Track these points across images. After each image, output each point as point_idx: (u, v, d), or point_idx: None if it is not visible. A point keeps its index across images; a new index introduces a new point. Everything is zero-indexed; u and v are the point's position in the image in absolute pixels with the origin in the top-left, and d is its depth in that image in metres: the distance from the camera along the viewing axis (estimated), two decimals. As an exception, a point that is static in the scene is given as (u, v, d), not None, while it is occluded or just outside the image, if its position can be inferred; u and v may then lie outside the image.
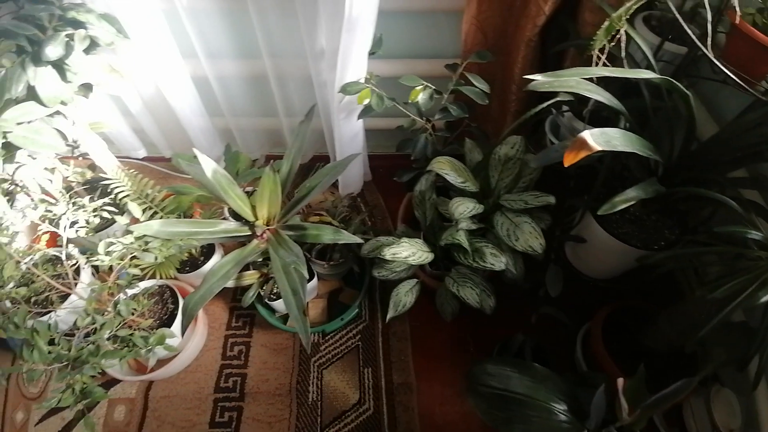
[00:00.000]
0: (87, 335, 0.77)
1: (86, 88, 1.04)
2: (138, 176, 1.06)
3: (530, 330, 1.08)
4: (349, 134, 1.14)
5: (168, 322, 1.07)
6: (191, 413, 1.11)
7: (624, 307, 1.07)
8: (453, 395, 1.14)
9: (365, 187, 1.50)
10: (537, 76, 0.65)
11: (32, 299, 0.97)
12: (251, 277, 1.10)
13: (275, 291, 1.17)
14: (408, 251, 0.88)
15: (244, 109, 1.35)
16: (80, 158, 1.17)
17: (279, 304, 1.16)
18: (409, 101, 0.97)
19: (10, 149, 0.98)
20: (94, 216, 0.96)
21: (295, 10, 1.01)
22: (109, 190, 1.04)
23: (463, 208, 0.87)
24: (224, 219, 1.23)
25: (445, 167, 0.91)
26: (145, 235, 0.87)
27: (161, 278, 1.09)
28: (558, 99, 0.87)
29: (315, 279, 1.19)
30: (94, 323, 0.77)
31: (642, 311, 1.05)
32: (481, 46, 1.12)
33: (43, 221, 0.93)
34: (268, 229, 0.98)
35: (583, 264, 1.13)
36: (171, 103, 1.21)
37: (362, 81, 0.99)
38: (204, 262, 1.22)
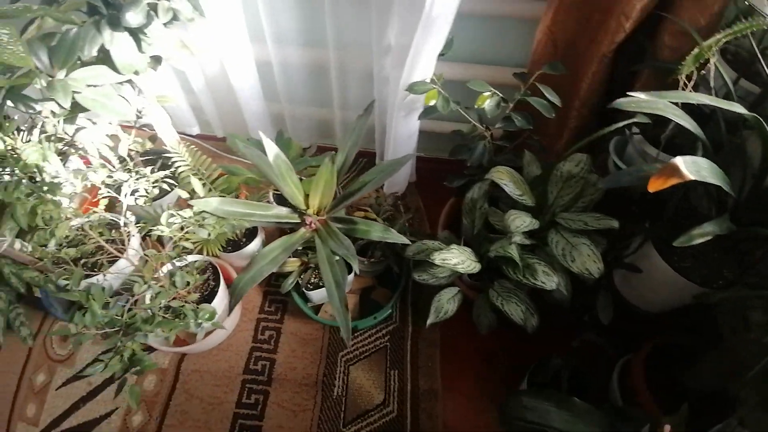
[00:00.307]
0: (136, 302, 0.79)
1: (156, 60, 1.07)
2: (197, 152, 1.08)
3: (565, 352, 1.05)
4: (405, 133, 1.13)
5: (208, 299, 1.09)
6: (219, 390, 1.13)
7: (666, 342, 1.02)
8: (479, 410, 1.12)
9: (407, 188, 1.48)
10: (639, 94, 0.63)
11: (81, 261, 1.01)
12: (292, 264, 1.11)
13: (313, 280, 1.17)
14: (458, 258, 0.87)
15: (300, 97, 1.36)
16: (141, 129, 1.20)
17: (315, 294, 1.16)
18: (475, 107, 0.95)
19: (75, 110, 1.01)
20: (154, 186, 0.98)
21: (369, 2, 1.00)
22: (169, 164, 1.06)
23: (520, 222, 0.84)
24: (269, 203, 1.24)
25: (504, 177, 0.89)
26: (203, 211, 0.89)
27: (206, 254, 1.11)
28: (634, 120, 0.84)
29: (352, 274, 1.19)
30: (148, 291, 0.78)
31: (683, 348, 1.00)
32: (550, 57, 1.09)
33: (103, 186, 0.95)
34: (317, 218, 0.99)
35: (633, 293, 1.09)
36: (233, 84, 1.22)
37: (428, 81, 0.98)
38: (246, 244, 1.24)
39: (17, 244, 0.92)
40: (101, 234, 0.94)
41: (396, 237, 0.90)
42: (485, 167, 1.06)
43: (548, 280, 0.87)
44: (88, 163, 1.08)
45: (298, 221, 1.01)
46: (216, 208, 0.89)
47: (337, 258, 0.98)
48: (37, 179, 0.95)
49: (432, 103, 0.94)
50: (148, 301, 0.83)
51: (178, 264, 1.01)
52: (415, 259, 0.99)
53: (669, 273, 0.91)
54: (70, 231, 0.90)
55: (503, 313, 0.93)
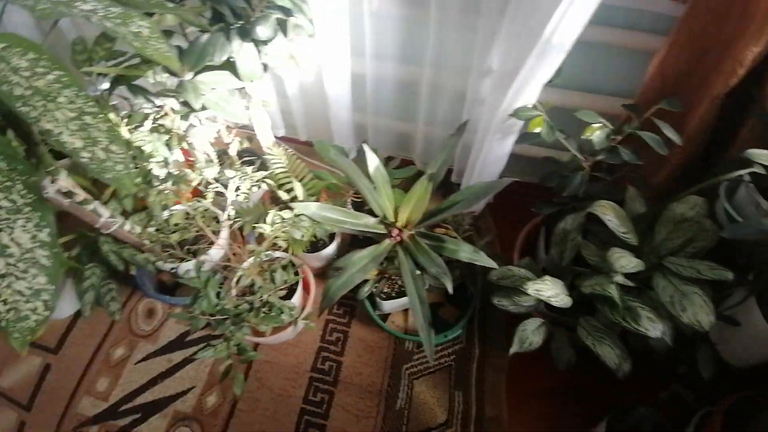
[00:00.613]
0: (243, 294, 0.84)
1: (264, 68, 1.14)
2: (293, 156, 1.14)
3: (645, 401, 1.01)
4: (495, 156, 1.13)
5: (288, 295, 1.13)
6: (288, 384, 1.17)
7: (749, 396, 0.95)
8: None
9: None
10: None
11: (185, 248, 1.08)
12: (371, 273, 1.14)
13: (386, 290, 1.20)
14: (551, 291, 0.86)
15: (386, 110, 1.40)
16: (239, 129, 1.29)
17: (388, 304, 1.18)
18: (582, 137, 0.94)
19: (193, 109, 1.09)
20: (253, 185, 1.04)
21: (475, 27, 1.02)
22: (261, 165, 1.13)
23: (625, 262, 0.82)
24: (357, 212, 1.28)
25: (608, 212, 0.87)
26: (301, 214, 0.94)
27: (290, 253, 1.16)
28: (752, 170, 0.80)
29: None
30: (252, 285, 0.83)
31: (758, 404, 0.93)
32: (657, 91, 1.06)
33: (214, 181, 1.03)
34: (405, 232, 1.01)
35: (725, 346, 1.02)
36: (328, 93, 1.28)
37: (532, 107, 0.97)
38: (323, 246, 1.28)
39: (127, 226, 1.01)
40: (208, 226, 1.01)
41: (485, 260, 0.91)
42: (579, 198, 1.03)
43: (652, 327, 0.83)
44: (187, 154, 1.17)
45: (384, 232, 1.04)
46: (314, 212, 0.94)
47: (418, 273, 0.99)
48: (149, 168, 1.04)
49: (537, 130, 0.94)
50: (252, 295, 0.88)
51: (263, 258, 1.06)
52: (498, 284, 0.99)
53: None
54: (180, 219, 0.98)
55: (589, 352, 0.90)
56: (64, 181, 0.78)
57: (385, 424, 1.12)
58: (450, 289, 0.86)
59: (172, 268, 1.04)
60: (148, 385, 1.18)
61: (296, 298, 1.15)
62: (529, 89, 0.93)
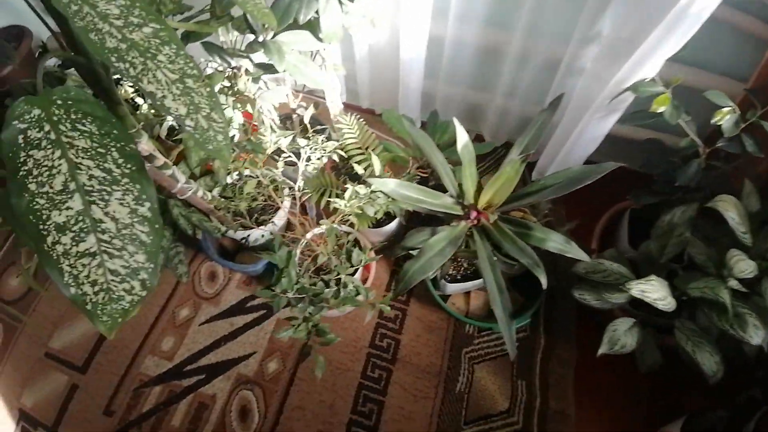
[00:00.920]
0: (318, 271, 0.81)
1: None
2: (364, 125, 1.07)
3: (719, 404, 0.93)
4: (590, 136, 1.02)
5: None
6: (346, 358, 1.17)
7: None
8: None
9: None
10: None
11: (253, 216, 1.06)
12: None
13: (451, 272, 1.14)
14: (659, 293, 0.77)
15: (460, 78, 1.29)
16: (306, 95, 1.22)
17: (451, 287, 1.13)
18: (713, 121, 0.81)
19: (268, 71, 1.04)
20: (326, 155, 0.99)
21: (585, -14, 0.89)
22: (332, 135, 1.07)
23: (744, 266, 0.72)
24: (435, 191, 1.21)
25: (731, 209, 0.76)
26: (378, 191, 0.88)
27: (355, 229, 1.12)
28: None
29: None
30: (328, 263, 0.80)
31: None
32: None
33: (287, 150, 0.98)
34: (484, 215, 0.94)
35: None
36: (402, 57, 1.18)
37: (652, 82, 0.85)
38: (385, 222, 1.23)
39: (200, 192, 0.99)
40: (276, 191, 0.98)
41: (576, 252, 0.83)
42: (690, 189, 0.92)
43: (756, 335, 0.75)
44: (248, 118, 1.12)
45: (460, 213, 0.97)
46: (393, 189, 0.88)
47: (495, 259, 0.93)
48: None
49: (661, 110, 0.82)
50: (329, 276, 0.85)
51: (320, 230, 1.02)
52: (586, 277, 0.91)
53: None
54: (252, 188, 0.94)
55: (670, 354, 0.82)
56: (146, 145, 0.75)
57: (444, 406, 1.10)
58: (545, 284, 0.79)
59: (243, 238, 1.03)
60: (212, 347, 1.20)
61: (357, 276, 1.12)
62: (651, 62, 0.81)
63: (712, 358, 0.82)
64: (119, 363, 1.19)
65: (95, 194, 0.46)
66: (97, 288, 0.45)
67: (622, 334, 0.86)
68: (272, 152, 0.99)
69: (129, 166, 0.48)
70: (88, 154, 0.48)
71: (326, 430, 1.07)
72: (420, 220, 1.43)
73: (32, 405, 1.15)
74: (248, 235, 1.04)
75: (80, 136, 0.48)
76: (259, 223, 1.10)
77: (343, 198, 0.87)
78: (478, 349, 1.18)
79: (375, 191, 0.88)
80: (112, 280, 0.45)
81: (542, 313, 1.21)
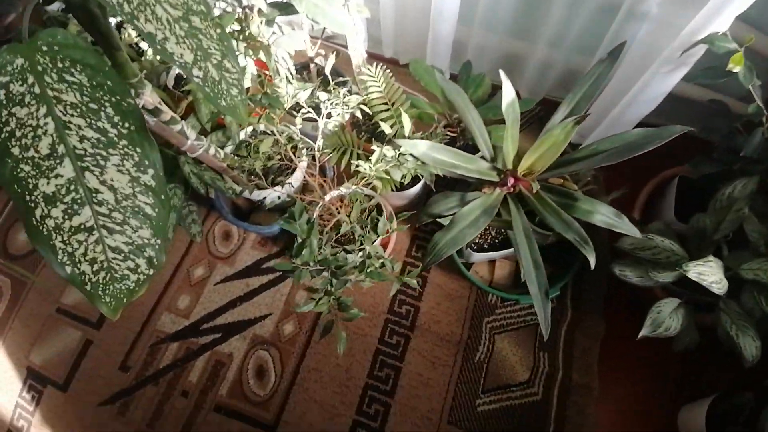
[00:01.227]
0: (339, 241, 0.74)
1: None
2: (391, 77, 0.96)
3: (746, 387, 0.90)
4: (653, 93, 0.90)
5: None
6: (364, 323, 1.14)
7: None
8: (631, 425, 1.02)
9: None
10: None
11: (268, 176, 0.99)
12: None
13: (478, 241, 1.08)
14: (715, 276, 0.70)
15: (499, 25, 1.14)
16: (324, 41, 1.10)
17: (478, 256, 1.07)
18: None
19: (285, 11, 0.91)
20: (348, 111, 0.89)
21: None
22: (359, 87, 0.96)
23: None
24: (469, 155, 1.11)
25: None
26: (408, 153, 0.79)
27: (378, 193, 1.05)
28: None
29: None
30: (352, 233, 0.73)
31: None
32: None
33: (305, 104, 0.88)
34: (523, 182, 0.85)
35: None
36: (433, -2, 1.04)
37: (726, 37, 0.72)
38: (409, 185, 1.15)
39: (212, 150, 0.91)
40: (294, 150, 0.90)
41: (627, 227, 0.74)
42: (752, 161, 0.81)
43: None
44: (261, 67, 1.01)
45: (495, 180, 0.88)
46: (424, 153, 0.79)
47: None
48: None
49: (736, 69, 0.70)
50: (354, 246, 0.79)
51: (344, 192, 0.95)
52: (633, 253, 0.83)
53: None
54: (268, 147, 0.86)
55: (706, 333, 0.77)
56: (150, 97, 0.66)
57: (462, 374, 1.08)
58: (593, 264, 0.72)
59: (258, 200, 0.96)
60: (228, 306, 1.18)
61: (377, 241, 1.06)
62: (726, 13, 0.67)
63: (754, 343, 0.77)
64: (135, 319, 1.18)
65: (88, 159, 0.39)
66: (96, 267, 0.39)
67: (667, 317, 0.79)
68: (289, 107, 0.90)
69: (127, 125, 0.40)
70: (78, 110, 0.40)
71: (342, 393, 1.07)
72: (445, 182, 1.35)
73: (42, 362, 1.15)
74: (264, 198, 0.97)
75: (68, 89, 0.40)
76: (274, 184, 1.03)
77: (369, 160, 0.78)
78: (500, 320, 1.14)
79: (403, 154, 0.79)
80: (114, 258, 0.39)
81: (571, 284, 1.16)
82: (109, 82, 0.42)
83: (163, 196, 0.40)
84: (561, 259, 1.10)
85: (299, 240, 0.67)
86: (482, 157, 0.91)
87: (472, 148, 0.95)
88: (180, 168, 1.05)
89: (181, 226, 1.16)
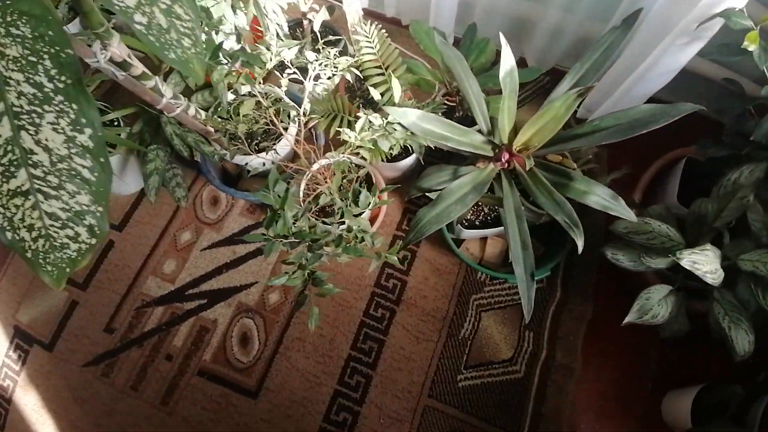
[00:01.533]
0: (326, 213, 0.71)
1: None
2: (386, 38, 0.89)
3: (734, 380, 0.89)
4: (666, 67, 0.83)
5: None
6: (350, 295, 1.13)
7: None
8: (612, 409, 1.02)
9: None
10: None
11: (253, 142, 0.94)
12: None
13: (470, 217, 1.04)
14: (711, 266, 0.66)
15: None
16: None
17: (469, 233, 1.04)
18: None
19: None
20: (335, 74, 0.83)
21: None
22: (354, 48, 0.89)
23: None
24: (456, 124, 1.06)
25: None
26: (396, 122, 0.74)
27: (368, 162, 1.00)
28: None
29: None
30: (332, 204, 0.70)
31: None
32: None
33: (291, 64, 0.82)
34: (518, 158, 0.80)
35: None
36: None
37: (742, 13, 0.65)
38: (401, 156, 1.10)
39: (192, 110, 0.86)
40: (278, 114, 0.85)
41: (623, 211, 0.70)
42: (761, 146, 0.76)
43: None
44: (256, 25, 0.94)
45: (489, 155, 0.84)
46: (413, 122, 0.74)
47: (523, 209, 0.82)
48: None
49: (751, 48, 0.63)
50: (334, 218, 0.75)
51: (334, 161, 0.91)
52: (626, 237, 0.80)
53: None
54: (250, 109, 0.81)
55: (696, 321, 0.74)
56: (118, 48, 0.61)
57: (446, 350, 1.08)
58: (581, 247, 0.68)
59: (243, 165, 0.92)
60: (214, 273, 1.17)
61: (365, 215, 1.03)
62: None
63: (747, 337, 0.74)
64: (121, 282, 1.17)
65: (24, 117, 0.35)
66: (34, 234, 0.36)
67: (656, 303, 0.77)
68: (275, 67, 0.84)
69: (63, 78, 0.36)
70: (18, 64, 0.36)
71: (324, 363, 1.07)
72: (441, 155, 1.29)
73: (29, 321, 1.15)
74: (246, 163, 0.93)
75: (12, 43, 0.36)
76: (260, 150, 0.99)
77: (354, 128, 0.74)
78: (488, 297, 1.12)
79: (392, 123, 0.74)
80: (51, 225, 0.36)
81: (563, 264, 1.13)
82: (50, 32, 0.37)
83: (102, 159, 0.36)
84: (554, 238, 1.07)
85: (272, 211, 0.64)
86: (479, 130, 0.86)
87: (471, 120, 0.90)
88: (162, 128, 1.00)
89: (165, 190, 1.12)
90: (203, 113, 0.88)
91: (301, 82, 0.84)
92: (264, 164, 0.98)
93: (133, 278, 1.17)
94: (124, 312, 1.15)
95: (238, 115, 0.84)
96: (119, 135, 1.10)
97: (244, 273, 1.17)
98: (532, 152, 0.79)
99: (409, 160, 1.10)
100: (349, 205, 0.73)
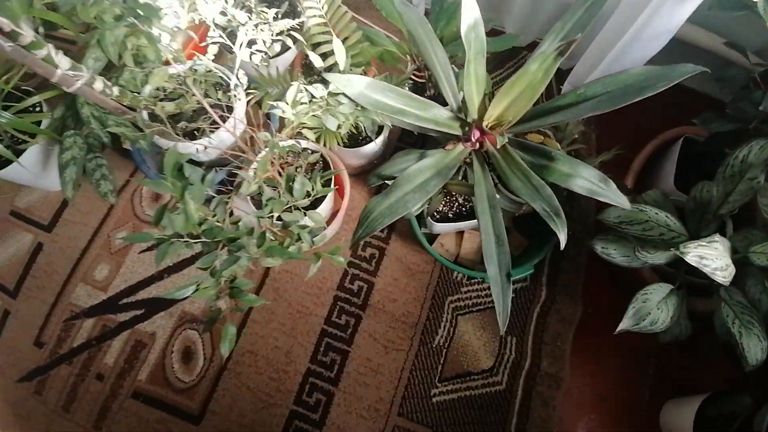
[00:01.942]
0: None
1: None
2: (337, 3, 0.75)
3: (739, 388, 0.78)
4: (657, 30, 0.71)
5: (315, 201, 0.87)
6: (309, 300, 0.99)
7: None
8: (604, 422, 0.90)
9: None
10: None
11: (180, 124, 0.80)
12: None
13: (442, 209, 0.91)
14: (720, 261, 0.54)
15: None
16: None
17: (441, 227, 0.91)
18: None
19: None
20: (276, 40, 0.69)
21: None
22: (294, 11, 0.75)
23: None
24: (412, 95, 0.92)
25: None
26: (340, 93, 0.61)
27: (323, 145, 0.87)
28: None
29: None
30: (259, 194, 0.56)
31: None
32: None
33: (214, 26, 0.68)
34: (489, 136, 0.67)
35: None
36: None
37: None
38: (367, 141, 0.97)
39: (98, 84, 0.72)
40: (206, 94, 0.71)
41: (615, 196, 0.58)
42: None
43: None
44: None
45: (457, 133, 0.71)
46: (360, 93, 0.60)
47: (498, 198, 0.69)
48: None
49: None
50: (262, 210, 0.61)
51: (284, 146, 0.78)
52: (618, 228, 0.68)
53: None
54: (169, 80, 0.67)
55: (711, 327, 0.63)
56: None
57: (418, 360, 0.95)
58: (563, 242, 0.56)
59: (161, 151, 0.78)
60: (153, 279, 1.02)
61: (324, 207, 0.89)
62: None
63: (760, 344, 0.63)
64: (49, 290, 1.02)
65: None
66: None
67: (654, 307, 0.65)
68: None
69: None
70: None
71: (279, 379, 0.94)
72: (414, 140, 1.16)
73: None
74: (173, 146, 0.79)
75: None
76: (192, 134, 0.84)
77: (287, 102, 0.60)
78: (465, 299, 1.00)
79: (335, 94, 0.61)
80: None
81: (547, 261, 1.01)
82: None
83: None
84: (538, 230, 0.94)
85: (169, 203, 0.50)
86: (446, 107, 0.73)
87: (443, 100, 0.77)
88: (77, 110, 0.86)
89: (89, 183, 0.97)
90: (115, 89, 0.74)
91: (232, 51, 0.70)
92: (206, 148, 0.83)
93: (62, 286, 1.02)
94: (52, 324, 1.00)
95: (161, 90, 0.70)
96: (39, 122, 0.95)
97: (189, 278, 1.02)
98: (506, 129, 0.66)
99: (373, 146, 0.97)
100: (282, 195, 0.60)
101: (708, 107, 0.79)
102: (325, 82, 0.64)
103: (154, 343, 0.97)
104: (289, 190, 0.60)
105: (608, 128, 1.02)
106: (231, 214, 0.63)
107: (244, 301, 0.54)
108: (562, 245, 0.56)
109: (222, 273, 0.52)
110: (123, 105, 0.78)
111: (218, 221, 0.54)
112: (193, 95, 0.74)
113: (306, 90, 0.60)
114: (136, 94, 0.72)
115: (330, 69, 0.70)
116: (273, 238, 0.60)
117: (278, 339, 0.97)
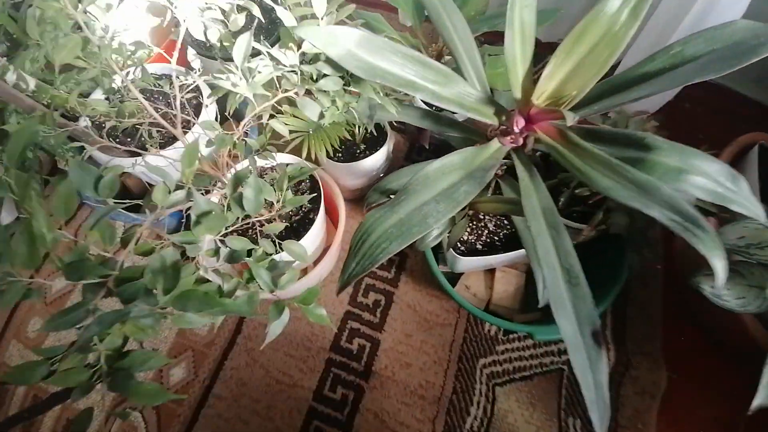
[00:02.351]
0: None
1: None
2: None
3: None
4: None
5: (297, 229, 0.65)
6: (293, 366, 0.74)
7: None
8: None
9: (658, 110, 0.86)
10: None
11: (121, 130, 0.60)
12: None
13: (468, 238, 0.68)
14: None
15: None
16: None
17: (469, 262, 0.67)
18: None
19: None
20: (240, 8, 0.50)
21: None
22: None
23: None
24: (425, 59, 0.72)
25: None
26: (319, 58, 0.40)
27: (307, 157, 0.66)
28: None
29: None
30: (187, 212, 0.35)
31: None
32: None
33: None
34: (542, 125, 0.45)
35: None
36: None
37: None
38: (365, 153, 0.77)
39: (10, 75, 0.53)
40: (146, 95, 0.51)
41: (749, 202, 0.35)
42: None
43: None
44: None
45: (494, 122, 0.49)
46: (349, 52, 0.40)
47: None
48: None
49: None
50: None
51: (261, 162, 0.57)
52: (744, 253, 0.43)
53: None
54: (87, 59, 0.48)
55: None
56: None
57: (444, 452, 0.68)
58: (722, 276, 0.32)
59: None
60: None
61: (310, 239, 0.66)
62: None
63: None
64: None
65: None
66: None
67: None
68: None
69: None
70: None
71: (250, 483, 0.67)
72: (425, 156, 0.95)
73: None
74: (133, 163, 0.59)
75: None
76: (140, 146, 0.65)
77: (236, 63, 0.39)
78: (504, 362, 0.74)
79: (313, 59, 0.40)
80: None
81: (610, 309, 0.76)
82: None
83: None
84: (596, 264, 0.70)
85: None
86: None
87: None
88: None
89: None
90: (32, 81, 0.55)
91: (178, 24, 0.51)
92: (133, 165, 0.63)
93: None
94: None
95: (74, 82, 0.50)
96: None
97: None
98: (566, 108, 0.44)
99: (376, 158, 0.76)
100: (223, 213, 0.38)
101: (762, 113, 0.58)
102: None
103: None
104: (238, 199, 0.38)
105: (674, 121, 0.81)
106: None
107: (133, 396, 0.30)
108: (720, 279, 0.32)
109: (95, 342, 0.29)
110: (43, 104, 0.59)
111: (104, 250, 0.32)
112: (135, 99, 0.55)
113: (269, 55, 0.40)
114: (48, 85, 0.53)
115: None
116: (207, 278, 0.37)
117: (249, 424, 0.70)
